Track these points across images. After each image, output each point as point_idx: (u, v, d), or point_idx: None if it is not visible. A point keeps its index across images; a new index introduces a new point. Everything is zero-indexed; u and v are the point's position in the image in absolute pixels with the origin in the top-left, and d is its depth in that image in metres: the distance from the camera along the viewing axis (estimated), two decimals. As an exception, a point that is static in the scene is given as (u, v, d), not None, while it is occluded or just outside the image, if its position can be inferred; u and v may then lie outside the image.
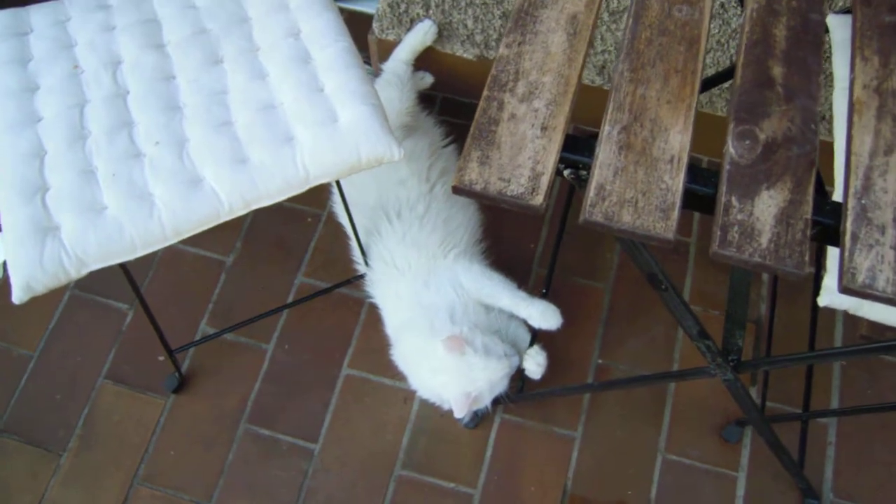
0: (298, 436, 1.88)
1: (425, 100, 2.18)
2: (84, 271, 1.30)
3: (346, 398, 1.92)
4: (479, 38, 2.10)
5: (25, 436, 1.87)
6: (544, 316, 1.72)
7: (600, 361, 1.95)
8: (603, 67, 2.08)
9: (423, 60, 2.17)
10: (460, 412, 1.64)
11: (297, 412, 1.90)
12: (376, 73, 2.17)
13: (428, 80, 2.24)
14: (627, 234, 0.87)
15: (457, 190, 0.90)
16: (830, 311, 1.99)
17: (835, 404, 1.90)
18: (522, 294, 1.75)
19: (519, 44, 1.01)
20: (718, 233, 0.87)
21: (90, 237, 1.29)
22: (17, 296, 1.28)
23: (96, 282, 2.05)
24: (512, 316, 1.79)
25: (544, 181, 0.89)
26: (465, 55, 2.17)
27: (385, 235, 1.82)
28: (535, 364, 1.77)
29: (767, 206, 0.88)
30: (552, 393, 1.88)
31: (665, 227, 0.87)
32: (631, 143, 0.93)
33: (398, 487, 1.82)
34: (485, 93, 0.97)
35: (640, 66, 0.99)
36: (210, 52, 1.52)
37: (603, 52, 2.03)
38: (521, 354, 1.78)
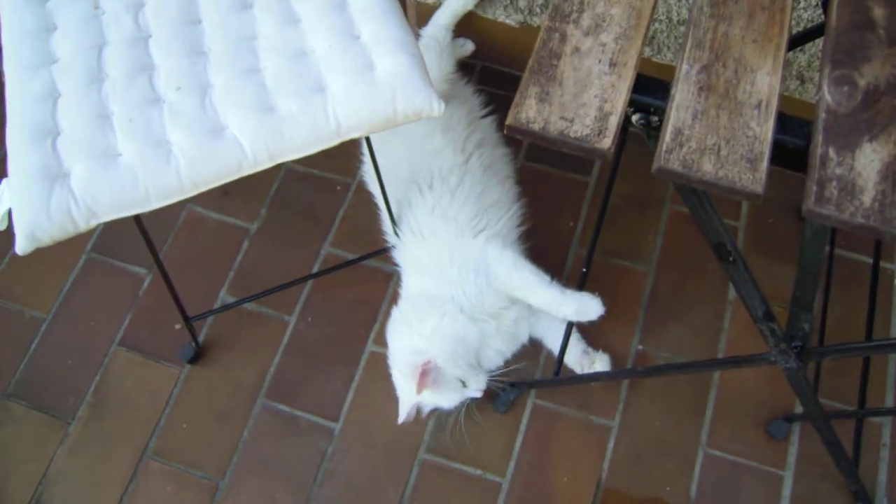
0: (319, 413, 1.78)
1: (464, 68, 2.07)
2: (93, 222, 1.20)
3: (371, 376, 1.82)
4: (522, 3, 1.99)
5: (33, 401, 1.79)
6: (581, 311, 1.61)
7: (640, 347, 1.84)
8: (652, 38, 1.97)
9: (463, 26, 2.07)
10: (401, 417, 1.61)
11: (318, 389, 1.81)
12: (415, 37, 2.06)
13: (469, 47, 2.14)
14: (709, 186, 0.76)
15: (512, 129, 0.79)
16: (887, 300, 1.86)
17: (889, 402, 1.78)
18: (556, 290, 1.62)
19: (584, -27, 0.90)
20: (814, 188, 0.75)
21: (102, 185, 1.19)
22: (21, 246, 1.18)
23: (113, 245, 1.97)
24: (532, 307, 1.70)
25: (613, 122, 0.78)
26: (507, 21, 2.06)
27: (415, 206, 1.72)
28: (577, 364, 1.74)
29: (870, 160, 0.77)
30: (590, 378, 1.77)
31: (753, 178, 0.75)
32: (712, 84, 0.81)
33: (421, 472, 1.72)
34: (545, 24, 0.86)
35: (721, 0, 0.87)
36: (240, -5, 1.42)
37: (655, 20, 1.91)
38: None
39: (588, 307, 1.61)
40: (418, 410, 1.64)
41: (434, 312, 1.61)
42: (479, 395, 1.61)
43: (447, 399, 1.60)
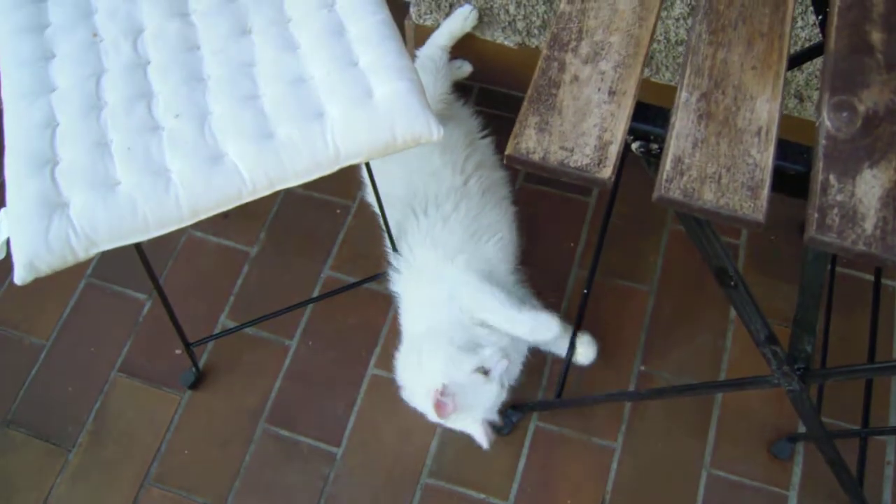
0: (320, 438, 1.77)
1: (461, 89, 2.07)
2: (93, 251, 1.20)
3: (372, 400, 1.81)
4: (520, 24, 1.99)
5: (33, 429, 1.78)
6: (536, 330, 1.58)
7: (643, 368, 1.83)
8: (651, 58, 1.97)
9: (461, 48, 2.07)
10: (483, 443, 1.56)
11: (319, 413, 1.80)
12: (412, 59, 2.06)
13: (466, 69, 2.14)
14: (710, 215, 0.75)
15: (511, 159, 0.79)
16: (889, 318, 1.86)
17: (893, 420, 1.77)
18: (513, 310, 1.58)
19: (582, 0, 0.90)
20: (816, 215, 0.75)
21: (100, 214, 1.19)
22: (20, 276, 1.18)
23: (113, 270, 1.96)
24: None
25: (613, 151, 0.78)
26: (505, 43, 2.06)
27: (410, 234, 1.71)
28: (580, 355, 1.72)
29: (871, 186, 0.77)
30: (593, 399, 1.76)
31: (754, 206, 0.75)
32: (712, 111, 0.81)
33: (424, 496, 1.71)
34: (544, 52, 0.86)
35: (720, 27, 0.87)
36: (238, 22, 1.41)
37: (653, 40, 1.91)
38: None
39: (542, 326, 1.58)
40: (491, 424, 1.58)
41: (417, 351, 1.60)
42: (506, 364, 1.53)
43: (487, 396, 1.53)
